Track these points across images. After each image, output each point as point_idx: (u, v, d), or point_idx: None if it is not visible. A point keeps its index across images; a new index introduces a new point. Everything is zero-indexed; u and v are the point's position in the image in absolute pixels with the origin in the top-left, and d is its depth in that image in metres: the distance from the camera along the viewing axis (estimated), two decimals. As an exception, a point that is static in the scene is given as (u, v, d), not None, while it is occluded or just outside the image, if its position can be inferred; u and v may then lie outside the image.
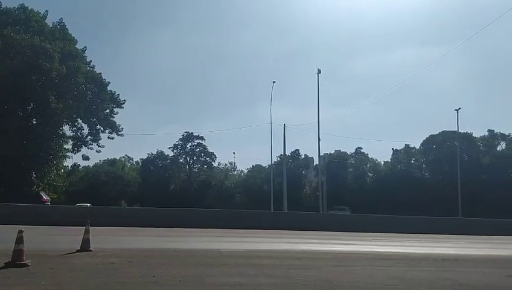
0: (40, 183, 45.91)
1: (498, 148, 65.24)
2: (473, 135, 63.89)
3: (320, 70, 43.67)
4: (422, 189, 58.09)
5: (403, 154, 68.09)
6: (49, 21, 45.45)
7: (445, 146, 62.63)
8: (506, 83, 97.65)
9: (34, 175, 44.90)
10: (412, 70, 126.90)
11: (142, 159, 73.47)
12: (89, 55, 46.74)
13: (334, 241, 17.63)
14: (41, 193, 38.19)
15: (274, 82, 49.20)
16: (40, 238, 13.43)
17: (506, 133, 64.69)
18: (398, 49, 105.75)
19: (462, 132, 57.83)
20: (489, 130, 65.41)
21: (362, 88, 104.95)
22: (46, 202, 34.84)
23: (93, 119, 46.98)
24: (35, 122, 44.28)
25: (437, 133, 64.96)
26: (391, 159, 69.08)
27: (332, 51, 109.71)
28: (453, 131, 57.63)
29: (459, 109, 51.30)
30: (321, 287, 7.49)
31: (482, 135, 65.32)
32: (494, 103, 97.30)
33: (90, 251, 10.82)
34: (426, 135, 66.81)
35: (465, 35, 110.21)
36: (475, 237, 24.19)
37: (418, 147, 67.55)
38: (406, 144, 68.37)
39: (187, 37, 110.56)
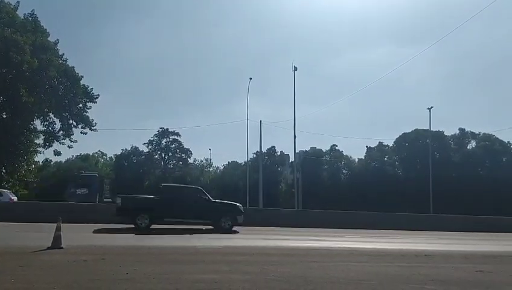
0: (10, 179, 44.77)
1: (468, 147, 66.85)
2: (445, 133, 65.34)
3: (296, 68, 43.79)
4: (395, 186, 59.04)
5: (376, 152, 69.03)
6: (21, 12, 44.24)
7: (418, 144, 63.79)
8: (477, 83, 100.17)
9: (4, 170, 43.77)
10: (386, 69, 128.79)
11: (116, 154, 72.51)
12: (61, 48, 45.74)
13: (307, 237, 17.76)
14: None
15: (251, 79, 49.13)
16: (9, 235, 13.09)
17: (476, 132, 66.43)
18: (373, 48, 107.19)
19: (434, 130, 59.01)
20: (460, 129, 67.05)
21: (338, 86, 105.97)
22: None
23: (65, 113, 45.97)
24: (5, 116, 43.08)
25: (410, 131, 66.17)
26: (365, 156, 69.97)
27: (310, 49, 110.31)
28: (425, 129, 58.73)
29: (431, 107, 52.31)
30: (295, 283, 7.50)
31: (453, 133, 66.91)
32: (465, 102, 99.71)
33: (62, 248, 10.61)
34: (399, 132, 68.00)
35: (438, 35, 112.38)
36: (446, 233, 24.73)
37: (391, 145, 68.67)
38: (379, 142, 69.39)
39: (164, 32, 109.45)
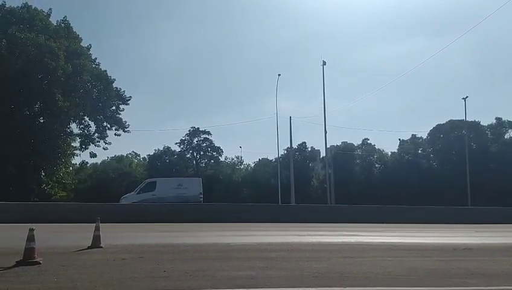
0: (49, 181, 46.25)
1: (506, 136, 64.68)
2: (481, 123, 63.42)
3: (325, 62, 43.51)
4: (431, 179, 57.76)
5: (409, 145, 67.73)
6: (53, 19, 45.57)
7: (453, 135, 62.20)
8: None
9: (43, 173, 45.25)
10: (418, 60, 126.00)
11: (149, 155, 73.74)
12: (93, 52, 46.92)
13: (342, 232, 17.59)
14: None
15: (279, 75, 49.22)
16: (51, 235, 13.49)
17: (514, 121, 64.17)
18: (404, 39, 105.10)
19: (469, 120, 57.41)
20: (496, 118, 64.81)
21: (368, 79, 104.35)
22: None
23: (99, 116, 47.19)
24: (42, 120, 44.52)
25: (444, 122, 64.58)
26: (398, 149, 68.77)
27: (338, 42, 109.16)
28: (461, 120, 57.20)
29: (467, 97, 50.91)
30: (332, 279, 7.47)
31: (489, 123, 64.81)
32: (501, 91, 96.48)
33: (101, 247, 10.87)
34: (433, 124, 66.45)
35: (471, 24, 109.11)
36: (485, 225, 24.08)
37: (425, 137, 67.21)
38: (412, 134, 68.08)
39: (191, 31, 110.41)
